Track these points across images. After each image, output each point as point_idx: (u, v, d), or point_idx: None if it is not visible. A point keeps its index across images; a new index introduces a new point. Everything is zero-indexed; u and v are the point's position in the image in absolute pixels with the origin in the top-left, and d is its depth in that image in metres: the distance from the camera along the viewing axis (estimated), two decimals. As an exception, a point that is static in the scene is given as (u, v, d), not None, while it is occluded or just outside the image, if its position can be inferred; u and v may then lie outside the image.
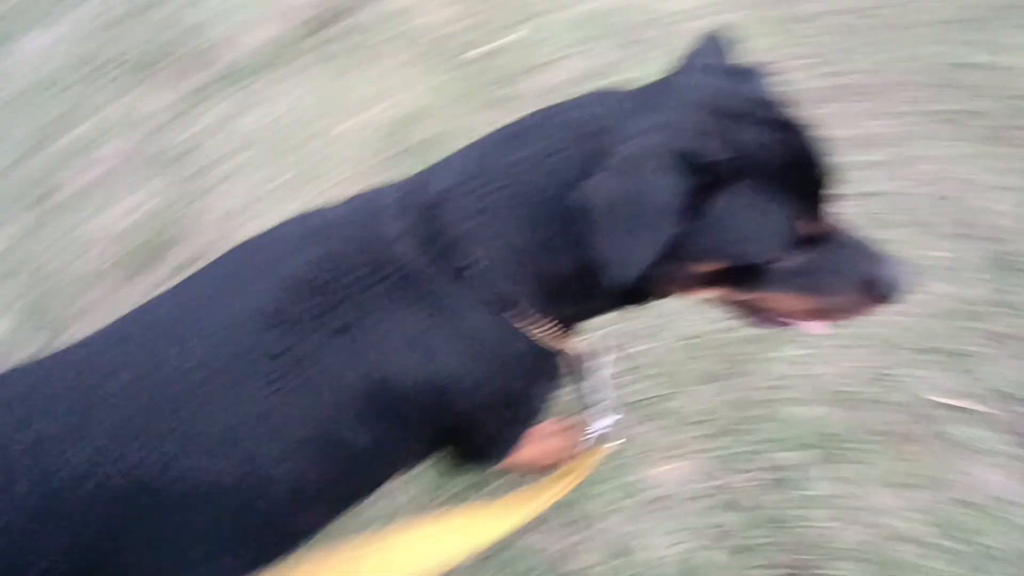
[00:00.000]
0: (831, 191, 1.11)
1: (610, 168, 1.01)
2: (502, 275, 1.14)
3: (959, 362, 1.97)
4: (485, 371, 1.19)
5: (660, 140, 1.02)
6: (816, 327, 1.24)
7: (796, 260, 1.11)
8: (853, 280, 1.15)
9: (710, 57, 1.20)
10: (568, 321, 1.25)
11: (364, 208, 1.21)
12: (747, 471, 1.85)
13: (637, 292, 1.18)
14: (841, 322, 1.20)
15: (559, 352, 1.29)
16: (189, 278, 1.23)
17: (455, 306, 1.14)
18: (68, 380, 1.09)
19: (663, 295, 1.20)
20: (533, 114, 1.18)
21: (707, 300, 1.21)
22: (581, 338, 1.38)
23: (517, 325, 1.18)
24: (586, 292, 1.17)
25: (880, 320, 2.01)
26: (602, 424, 1.57)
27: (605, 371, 1.57)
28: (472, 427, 1.29)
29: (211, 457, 1.07)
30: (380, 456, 1.24)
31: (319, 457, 1.14)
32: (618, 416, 1.63)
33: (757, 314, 1.23)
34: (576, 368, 1.41)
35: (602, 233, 1.00)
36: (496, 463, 1.52)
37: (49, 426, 1.04)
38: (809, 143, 1.09)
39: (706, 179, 1.01)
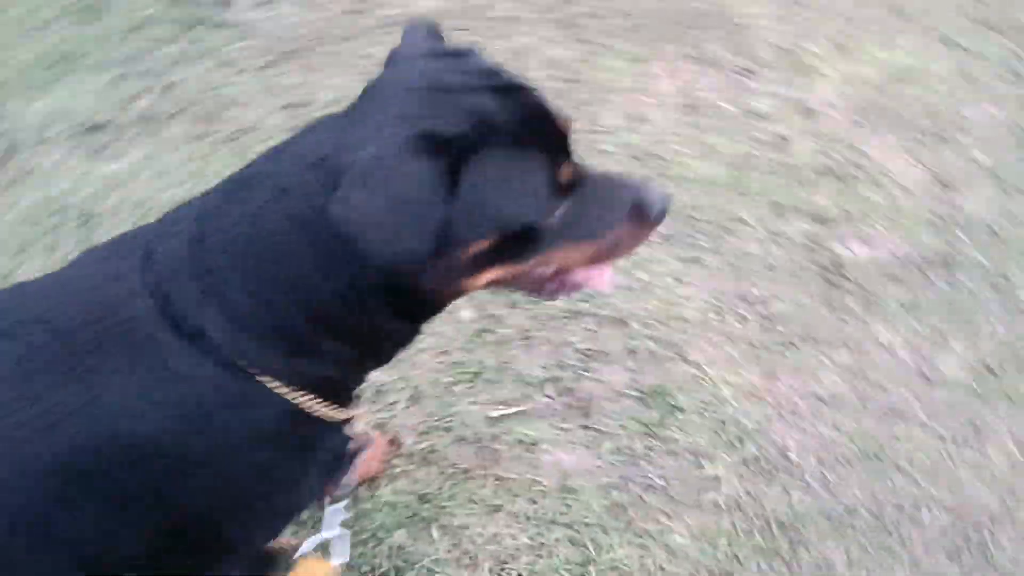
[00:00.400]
0: (570, 137, 1.12)
1: (353, 177, 0.94)
2: (247, 332, 1.04)
3: (499, 374, 2.17)
4: (210, 438, 1.06)
5: (392, 133, 0.97)
6: (602, 279, 1.22)
7: (563, 211, 1.09)
8: (621, 212, 1.16)
9: (416, 45, 1.16)
10: (344, 375, 1.17)
11: (99, 265, 1.11)
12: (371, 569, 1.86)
13: (422, 303, 1.13)
14: (623, 258, 1.22)
15: (331, 423, 1.17)
16: None
17: (181, 368, 1.03)
18: None
19: (450, 296, 1.14)
20: (256, 160, 1.10)
21: (494, 286, 1.15)
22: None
23: (270, 387, 1.07)
24: (366, 323, 1.08)
25: (417, 373, 2.15)
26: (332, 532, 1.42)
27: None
28: (200, 522, 1.13)
29: None
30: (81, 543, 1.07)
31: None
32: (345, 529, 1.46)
33: (543, 285, 1.20)
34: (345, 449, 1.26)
35: (371, 241, 0.92)
36: None
37: None
38: (539, 98, 1.09)
39: (451, 156, 0.97)
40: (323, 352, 1.10)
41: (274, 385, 1.08)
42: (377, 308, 1.08)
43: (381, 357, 1.20)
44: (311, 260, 1.02)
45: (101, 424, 1.01)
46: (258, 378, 1.07)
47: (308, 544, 1.43)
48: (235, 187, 1.09)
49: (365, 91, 1.11)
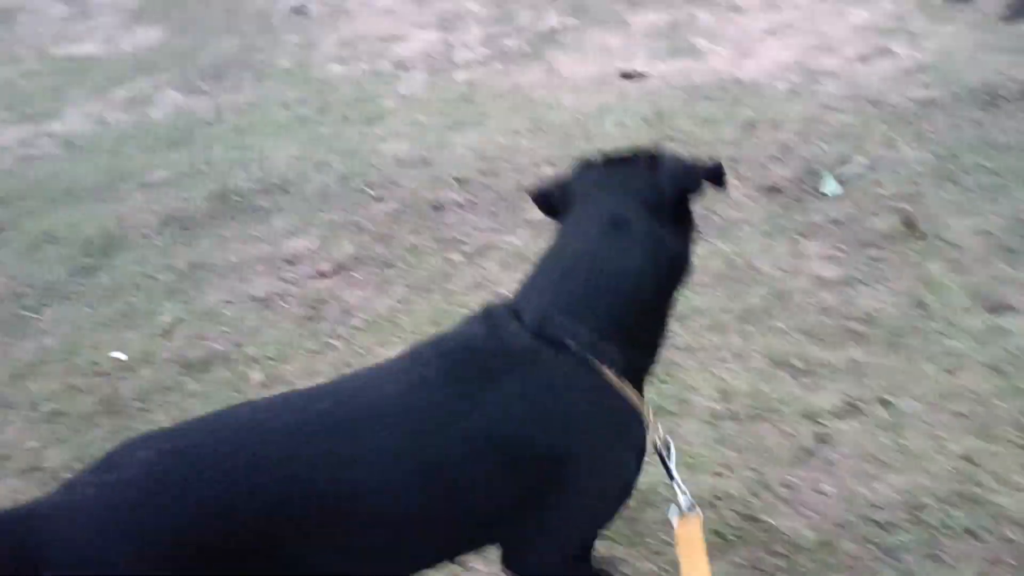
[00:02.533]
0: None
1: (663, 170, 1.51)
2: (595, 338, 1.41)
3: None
4: (591, 413, 1.41)
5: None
6: None
7: None
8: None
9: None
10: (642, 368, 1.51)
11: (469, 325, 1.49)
12: None
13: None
14: None
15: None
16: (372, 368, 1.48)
17: (558, 369, 1.39)
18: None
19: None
20: (568, 240, 1.52)
21: None
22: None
23: (609, 375, 1.41)
24: (664, 307, 1.52)
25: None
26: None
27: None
28: (572, 486, 1.39)
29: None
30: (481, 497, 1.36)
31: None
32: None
33: None
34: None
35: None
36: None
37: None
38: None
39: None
40: (646, 343, 1.51)
41: (614, 379, 1.41)
42: (668, 293, 1.52)
43: (660, 346, 1.55)
44: (646, 266, 1.47)
45: (516, 409, 1.36)
46: (606, 373, 1.41)
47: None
48: (559, 252, 1.51)
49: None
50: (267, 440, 1.30)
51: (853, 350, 2.52)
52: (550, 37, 5.04)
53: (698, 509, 1.47)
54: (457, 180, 3.72)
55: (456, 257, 3.25)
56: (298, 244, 3.49)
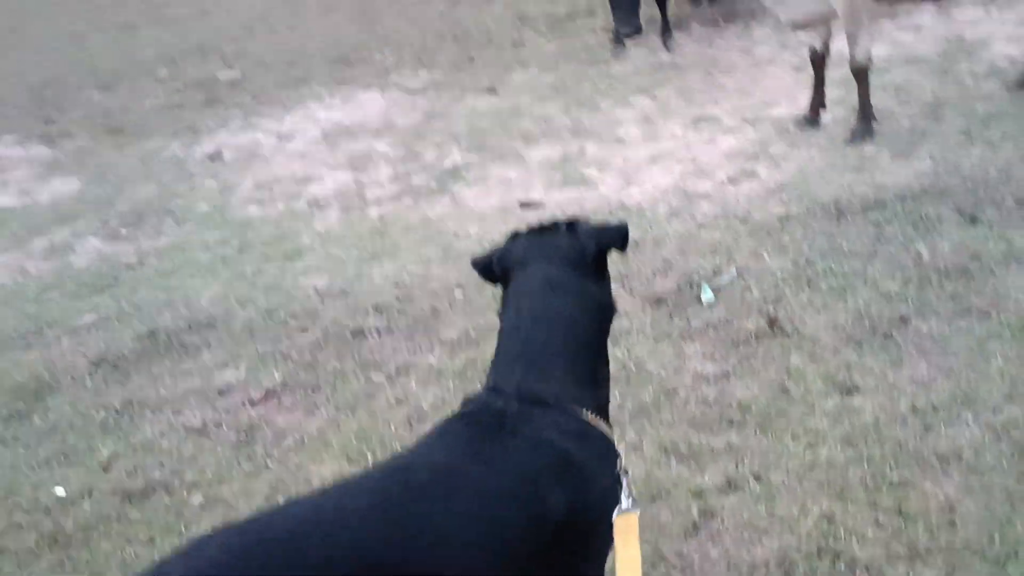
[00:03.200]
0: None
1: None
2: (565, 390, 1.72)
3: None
4: (590, 454, 1.69)
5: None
6: None
7: None
8: None
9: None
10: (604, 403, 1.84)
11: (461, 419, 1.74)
12: None
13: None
14: None
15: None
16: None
17: (542, 420, 1.68)
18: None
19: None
20: (517, 309, 1.83)
21: None
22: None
23: (589, 419, 1.72)
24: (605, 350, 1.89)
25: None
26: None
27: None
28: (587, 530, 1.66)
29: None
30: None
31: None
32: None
33: None
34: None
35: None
36: None
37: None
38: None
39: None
40: (600, 380, 1.84)
41: (590, 417, 1.72)
42: (604, 335, 1.89)
43: (609, 380, 1.92)
44: (584, 318, 1.82)
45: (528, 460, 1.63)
46: (582, 414, 1.71)
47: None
48: (513, 323, 1.82)
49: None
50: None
51: (730, 435, 2.89)
52: (454, 173, 5.49)
53: (637, 507, 1.72)
54: (375, 308, 4.04)
55: (378, 378, 3.54)
56: (228, 375, 3.73)
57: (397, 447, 2.91)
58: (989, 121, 4.84)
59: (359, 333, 3.88)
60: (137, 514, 3.00)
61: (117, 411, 3.63)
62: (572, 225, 1.95)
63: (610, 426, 1.83)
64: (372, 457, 3.01)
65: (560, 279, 1.86)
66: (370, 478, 1.69)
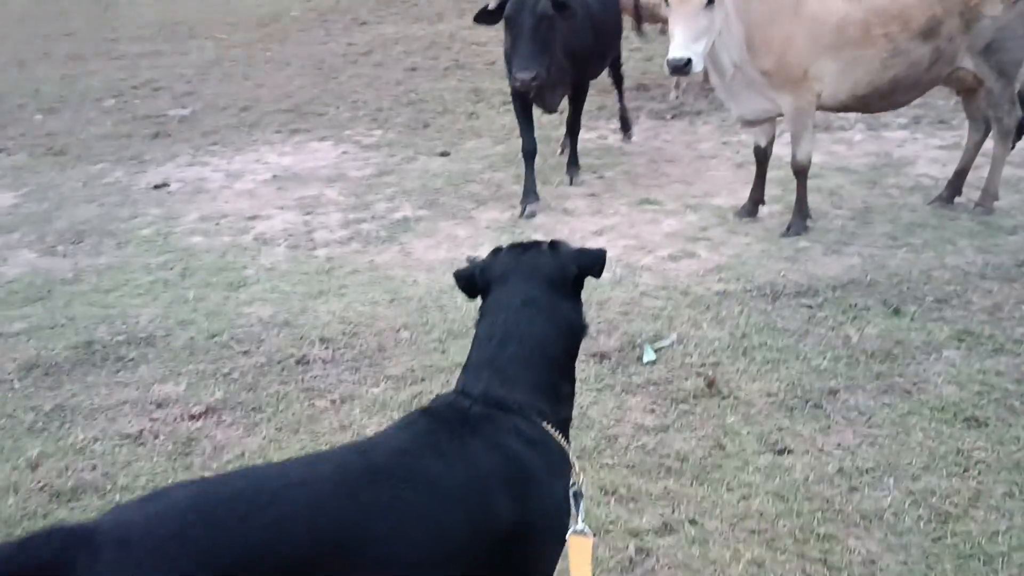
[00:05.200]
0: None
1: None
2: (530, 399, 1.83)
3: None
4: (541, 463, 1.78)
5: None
6: None
7: None
8: None
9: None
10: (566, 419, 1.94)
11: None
12: None
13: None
14: None
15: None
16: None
17: (503, 423, 1.78)
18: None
19: None
20: (493, 321, 1.94)
21: None
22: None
23: (548, 428, 1.83)
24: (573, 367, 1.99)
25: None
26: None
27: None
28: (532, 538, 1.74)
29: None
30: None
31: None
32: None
33: None
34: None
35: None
36: None
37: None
38: None
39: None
40: (564, 396, 1.95)
41: (550, 429, 1.83)
42: (573, 355, 1.99)
43: (573, 398, 2.03)
44: (556, 335, 1.92)
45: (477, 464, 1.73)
46: (543, 425, 1.82)
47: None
48: (487, 333, 1.94)
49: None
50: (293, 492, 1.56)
51: (668, 481, 2.99)
52: (404, 225, 5.59)
53: (590, 533, 1.81)
54: (320, 339, 4.07)
55: (322, 404, 3.56)
56: (167, 390, 3.69)
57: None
58: (913, 229, 5.18)
59: (304, 361, 3.90)
60: (64, 513, 2.93)
61: (47, 414, 3.55)
62: (554, 245, 2.06)
63: (569, 443, 1.92)
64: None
65: (537, 296, 1.96)
66: (334, 453, 1.77)
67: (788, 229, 5.22)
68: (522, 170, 5.78)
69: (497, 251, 2.09)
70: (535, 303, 1.94)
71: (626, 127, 7.10)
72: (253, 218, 5.83)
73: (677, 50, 4.50)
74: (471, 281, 2.06)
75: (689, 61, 4.46)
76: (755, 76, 4.94)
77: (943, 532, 2.73)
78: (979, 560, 2.61)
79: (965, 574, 2.57)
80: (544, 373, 1.91)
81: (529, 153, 5.75)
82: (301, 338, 4.12)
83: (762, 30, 4.80)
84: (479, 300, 2.06)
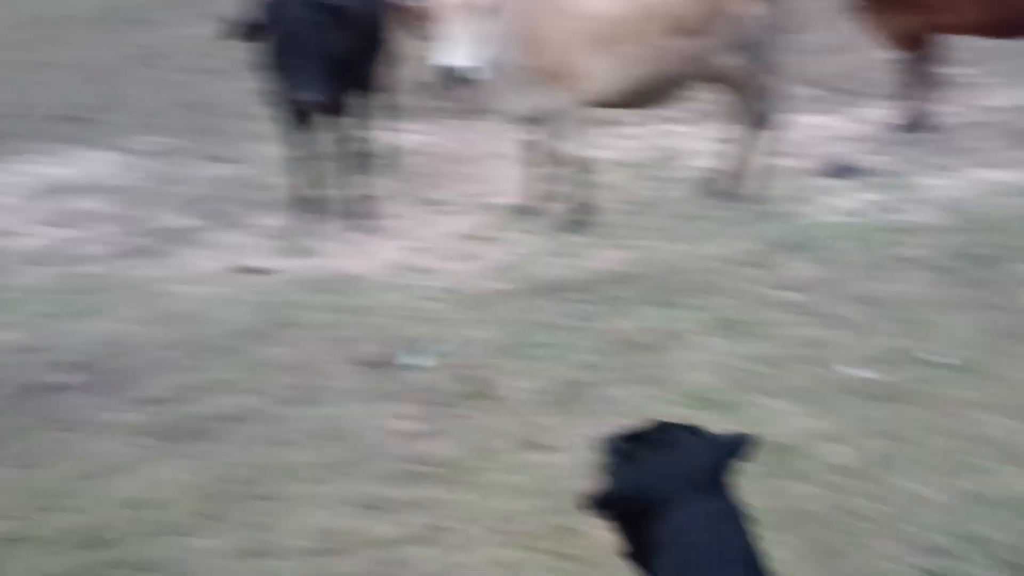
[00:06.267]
0: None
1: None
2: None
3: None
4: None
5: None
6: None
7: None
8: None
9: None
10: None
11: None
12: None
13: None
14: None
15: None
16: None
17: None
18: None
19: None
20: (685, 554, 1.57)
21: None
22: None
23: None
24: None
25: None
26: None
27: None
28: None
29: None
30: None
31: None
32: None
33: None
34: None
35: None
36: None
37: None
38: None
39: None
40: None
41: None
42: None
43: None
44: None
45: None
46: None
47: None
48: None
49: None
50: None
51: (427, 488, 2.97)
52: (182, 236, 5.33)
53: None
54: (75, 364, 3.81)
55: (68, 435, 3.33)
56: None
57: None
58: (685, 221, 5.40)
59: (55, 388, 3.65)
60: None
61: None
62: (694, 430, 1.69)
63: None
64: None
65: (723, 509, 1.59)
66: None
67: (569, 225, 5.32)
68: (302, 176, 5.61)
69: (627, 453, 1.65)
70: (730, 519, 1.57)
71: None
72: (9, 235, 5.40)
73: (460, 58, 4.48)
74: (615, 504, 1.62)
75: (472, 69, 4.46)
76: (525, 74, 4.99)
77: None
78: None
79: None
80: None
81: (304, 159, 5.54)
82: (54, 364, 3.84)
83: (531, 28, 4.86)
84: None
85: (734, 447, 1.64)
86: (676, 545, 1.51)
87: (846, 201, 5.61)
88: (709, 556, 1.51)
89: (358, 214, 5.48)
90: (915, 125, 6.96)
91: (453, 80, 4.57)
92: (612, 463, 1.63)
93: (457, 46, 4.47)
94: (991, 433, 3.24)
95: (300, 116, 5.29)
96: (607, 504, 1.60)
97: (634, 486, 1.59)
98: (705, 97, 7.39)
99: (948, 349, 3.75)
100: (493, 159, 6.66)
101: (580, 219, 5.32)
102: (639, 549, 1.59)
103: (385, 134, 7.17)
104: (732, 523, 1.56)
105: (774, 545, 1.72)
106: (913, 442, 3.15)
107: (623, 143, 6.94)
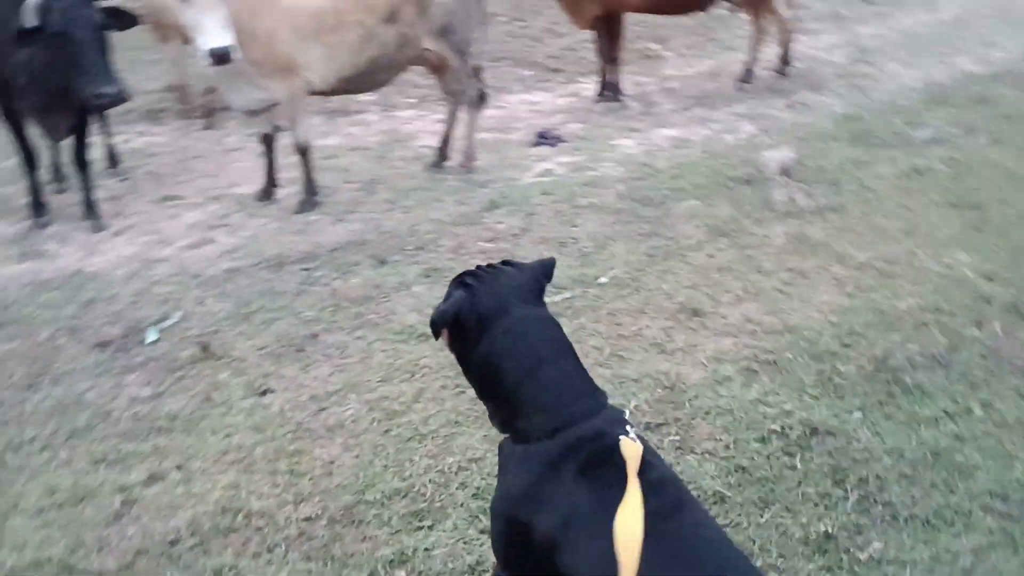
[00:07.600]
0: None
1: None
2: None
3: None
4: None
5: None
6: None
7: None
8: None
9: None
10: None
11: None
12: None
13: None
14: None
15: None
16: None
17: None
18: None
19: None
20: (523, 351, 1.96)
21: None
22: None
23: None
24: None
25: None
26: None
27: None
28: None
29: None
30: None
31: None
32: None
33: None
34: None
35: None
36: None
37: None
38: None
39: None
40: None
41: None
42: None
43: None
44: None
45: None
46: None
47: None
48: (527, 365, 1.93)
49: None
50: None
51: (158, 440, 3.28)
52: None
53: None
54: None
55: None
56: None
57: None
58: (409, 193, 5.90)
59: None
60: None
61: None
62: (511, 264, 2.10)
63: None
64: None
65: (542, 314, 2.02)
66: None
67: (300, 206, 5.68)
68: (36, 181, 5.61)
69: (465, 285, 2.01)
70: (547, 320, 2.01)
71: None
72: None
73: (218, 38, 4.66)
74: (457, 320, 1.96)
75: (231, 47, 4.68)
76: (247, 67, 5.27)
77: (390, 426, 3.33)
78: (417, 440, 3.23)
79: (404, 453, 3.17)
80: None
81: (32, 162, 5.55)
82: None
83: (247, 22, 5.11)
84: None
85: (545, 269, 2.11)
86: (511, 335, 1.93)
87: (547, 164, 6.34)
88: (536, 340, 1.96)
89: (95, 215, 5.56)
90: (608, 95, 7.86)
91: (219, 62, 4.71)
92: (459, 292, 1.99)
93: (215, 28, 4.67)
94: (644, 332, 3.95)
95: (16, 120, 5.29)
96: (441, 324, 1.96)
97: (462, 305, 1.96)
98: (425, 83, 8.01)
99: (616, 273, 4.47)
100: (230, 153, 6.90)
101: (310, 200, 5.69)
102: (467, 355, 2.00)
103: (122, 136, 7.24)
104: (550, 322, 2.02)
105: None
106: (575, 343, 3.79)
107: (353, 129, 7.39)
